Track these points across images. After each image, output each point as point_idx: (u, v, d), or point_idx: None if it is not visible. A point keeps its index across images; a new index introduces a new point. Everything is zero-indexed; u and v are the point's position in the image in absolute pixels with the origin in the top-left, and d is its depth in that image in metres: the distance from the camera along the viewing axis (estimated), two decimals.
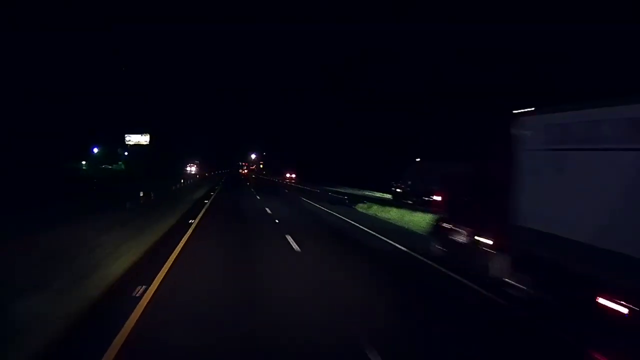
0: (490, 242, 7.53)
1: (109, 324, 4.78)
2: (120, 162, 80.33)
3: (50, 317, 4.58)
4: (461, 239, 8.49)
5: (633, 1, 28.77)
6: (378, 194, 38.34)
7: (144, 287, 6.19)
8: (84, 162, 73.04)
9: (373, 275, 8.06)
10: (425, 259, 9.43)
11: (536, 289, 6.17)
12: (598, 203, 5.22)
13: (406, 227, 15.44)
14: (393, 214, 18.26)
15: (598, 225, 5.20)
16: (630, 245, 4.71)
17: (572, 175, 5.76)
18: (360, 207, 21.99)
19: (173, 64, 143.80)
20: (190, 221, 13.72)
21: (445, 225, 9.13)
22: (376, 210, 19.97)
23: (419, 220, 16.28)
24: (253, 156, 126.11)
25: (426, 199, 27.75)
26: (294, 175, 64.82)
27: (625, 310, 4.70)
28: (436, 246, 9.46)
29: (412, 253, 10.11)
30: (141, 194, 18.40)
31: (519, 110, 7.12)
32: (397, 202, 27.82)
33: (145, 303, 5.57)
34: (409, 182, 30.36)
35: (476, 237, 8.01)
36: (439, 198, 9.83)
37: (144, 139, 78.00)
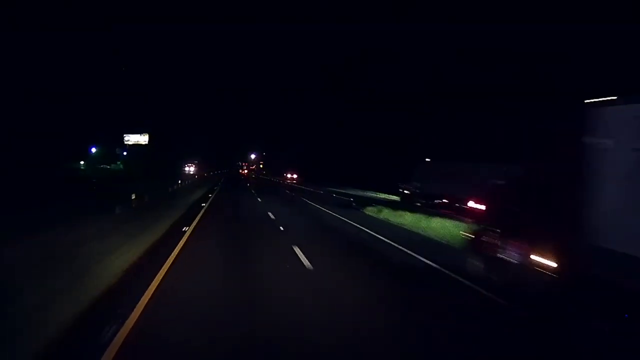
0: (554, 265, 6.04)
1: None
2: (118, 162, 79.21)
3: None
4: (510, 257, 6.98)
5: (633, 1, 27.77)
6: (383, 196, 36.87)
7: (113, 327, 4.67)
8: (82, 162, 72.02)
9: (408, 305, 6.41)
10: (466, 281, 7.78)
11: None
12: None
13: (425, 235, 13.90)
14: (407, 220, 16.72)
15: None
16: None
17: None
18: (370, 211, 20.45)
19: (173, 63, 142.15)
20: (184, 229, 12.21)
21: (487, 239, 7.61)
22: (388, 215, 18.43)
23: (438, 227, 14.76)
24: (253, 156, 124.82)
25: (437, 201, 26.36)
26: (295, 176, 63.32)
27: None
28: (475, 263, 7.94)
29: (446, 271, 8.45)
30: (133, 197, 16.96)
31: (596, 100, 5.61)
32: (405, 204, 26.35)
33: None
34: (418, 184, 28.83)
35: (532, 257, 6.50)
36: (479, 206, 8.29)
37: (142, 139, 77.49)
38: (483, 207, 8.04)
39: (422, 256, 9.91)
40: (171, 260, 8.01)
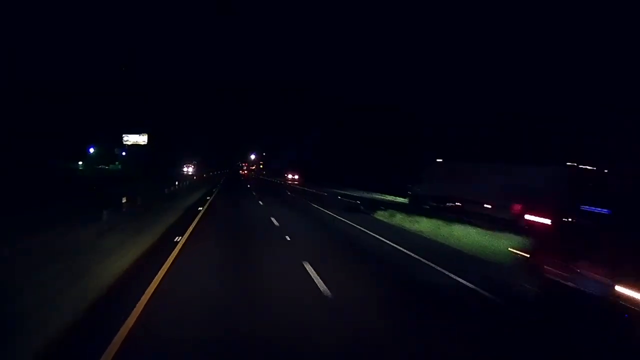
0: None
1: None
2: (117, 163, 77.92)
3: None
4: (586, 286, 5.47)
5: None
6: (389, 197, 35.38)
7: None
8: (80, 163, 70.75)
9: (455, 347, 4.96)
10: (521, 313, 6.25)
11: None
12: None
13: (450, 245, 12.31)
14: (425, 226, 15.19)
15: None
16: None
17: None
18: (381, 216, 18.90)
19: (173, 63, 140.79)
20: (176, 239, 10.67)
21: (552, 260, 6.09)
22: (401, 220, 16.88)
23: (462, 235, 13.25)
24: (253, 156, 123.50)
25: (450, 204, 24.78)
26: (296, 176, 61.75)
27: None
28: (532, 290, 6.41)
29: (492, 296, 6.91)
30: (124, 200, 15.45)
31: None
32: (415, 207, 24.84)
33: None
34: (427, 185, 27.30)
35: (618, 288, 4.99)
36: (540, 219, 6.76)
37: (142, 139, 76.67)
38: (548, 221, 6.50)
39: (452, 273, 8.36)
40: (152, 290, 6.29)
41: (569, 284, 5.66)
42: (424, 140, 48.69)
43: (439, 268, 9.00)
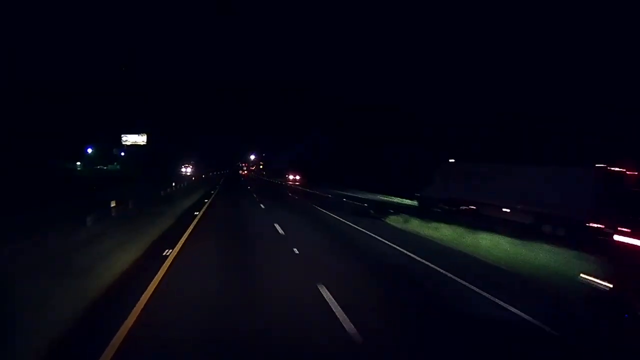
0: None
1: None
2: (115, 163, 76.74)
3: None
4: None
5: None
6: (397, 200, 33.86)
7: None
8: (78, 163, 69.58)
9: None
10: None
11: None
12: None
13: (476, 256, 10.79)
14: (446, 234, 13.65)
15: None
16: None
17: None
18: (393, 221, 17.35)
19: (173, 63, 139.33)
20: (166, 252, 9.16)
21: None
22: (418, 227, 15.34)
23: (491, 245, 11.75)
24: (252, 157, 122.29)
25: (463, 207, 23.24)
26: (298, 177, 60.24)
27: None
28: (621, 331, 4.92)
29: (556, 334, 5.42)
30: (113, 204, 14.00)
31: None
32: (426, 210, 23.35)
33: None
34: (439, 187, 25.73)
35: None
36: (634, 241, 5.27)
37: (141, 139, 75.67)
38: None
39: (498, 299, 6.82)
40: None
41: None
42: (424, 140, 47.38)
43: (480, 291, 7.40)
